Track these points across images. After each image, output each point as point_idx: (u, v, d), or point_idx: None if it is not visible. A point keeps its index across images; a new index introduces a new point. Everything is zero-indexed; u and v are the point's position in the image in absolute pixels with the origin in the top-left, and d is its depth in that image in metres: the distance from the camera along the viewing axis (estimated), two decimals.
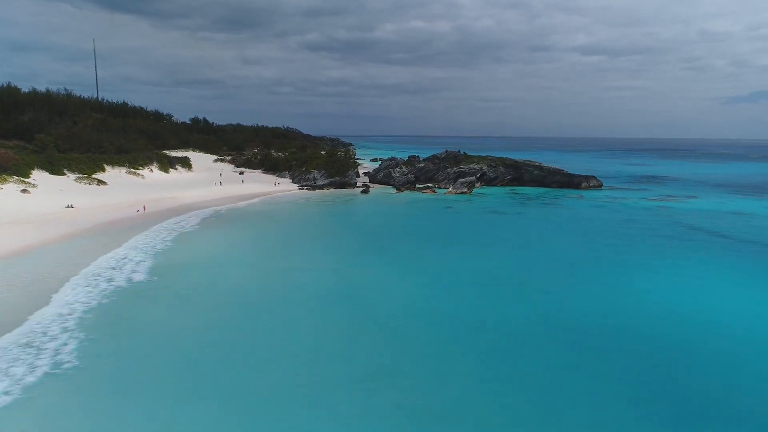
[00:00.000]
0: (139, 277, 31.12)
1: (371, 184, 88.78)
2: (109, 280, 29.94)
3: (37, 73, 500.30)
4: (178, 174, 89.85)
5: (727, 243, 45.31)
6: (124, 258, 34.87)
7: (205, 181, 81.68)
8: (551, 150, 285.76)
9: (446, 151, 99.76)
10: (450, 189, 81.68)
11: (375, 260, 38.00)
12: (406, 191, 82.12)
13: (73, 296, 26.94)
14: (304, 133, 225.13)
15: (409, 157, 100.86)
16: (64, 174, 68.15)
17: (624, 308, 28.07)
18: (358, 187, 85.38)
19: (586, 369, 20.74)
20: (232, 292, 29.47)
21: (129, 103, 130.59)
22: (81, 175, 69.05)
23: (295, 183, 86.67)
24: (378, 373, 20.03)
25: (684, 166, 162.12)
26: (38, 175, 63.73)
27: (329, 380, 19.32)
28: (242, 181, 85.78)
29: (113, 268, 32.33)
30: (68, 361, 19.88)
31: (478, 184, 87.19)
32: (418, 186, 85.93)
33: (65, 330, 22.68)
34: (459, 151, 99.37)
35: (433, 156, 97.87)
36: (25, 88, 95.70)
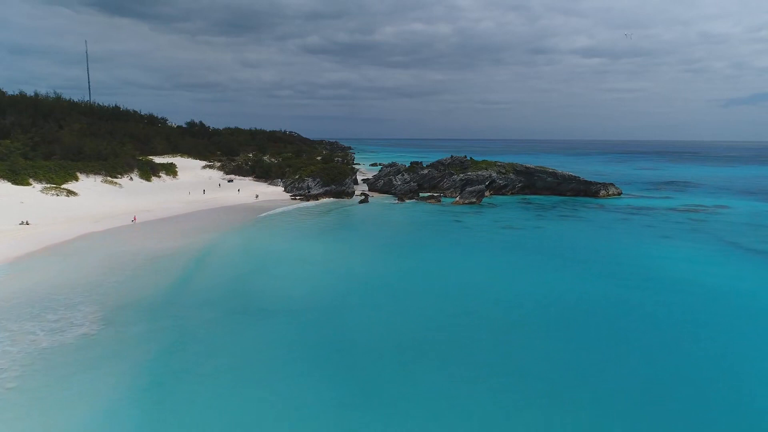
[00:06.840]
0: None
1: (370, 193, 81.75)
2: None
3: (37, 77, 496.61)
4: (161, 182, 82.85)
5: None
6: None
7: (189, 190, 74.80)
8: (552, 153, 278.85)
9: (451, 156, 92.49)
10: (457, 198, 74.62)
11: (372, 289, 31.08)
12: (408, 201, 75.15)
13: None
14: (303, 136, 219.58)
15: (411, 163, 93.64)
16: (29, 184, 61.29)
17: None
18: (357, 196, 78.35)
19: None
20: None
21: (122, 107, 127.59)
22: (49, 185, 62.11)
23: (288, 192, 79.58)
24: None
25: (698, 170, 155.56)
26: None
27: None
28: (238, 190, 79.14)
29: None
30: None
31: (487, 193, 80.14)
32: (421, 195, 78.98)
33: None
34: (465, 157, 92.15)
35: (438, 162, 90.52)
36: (24, 91, 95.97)
